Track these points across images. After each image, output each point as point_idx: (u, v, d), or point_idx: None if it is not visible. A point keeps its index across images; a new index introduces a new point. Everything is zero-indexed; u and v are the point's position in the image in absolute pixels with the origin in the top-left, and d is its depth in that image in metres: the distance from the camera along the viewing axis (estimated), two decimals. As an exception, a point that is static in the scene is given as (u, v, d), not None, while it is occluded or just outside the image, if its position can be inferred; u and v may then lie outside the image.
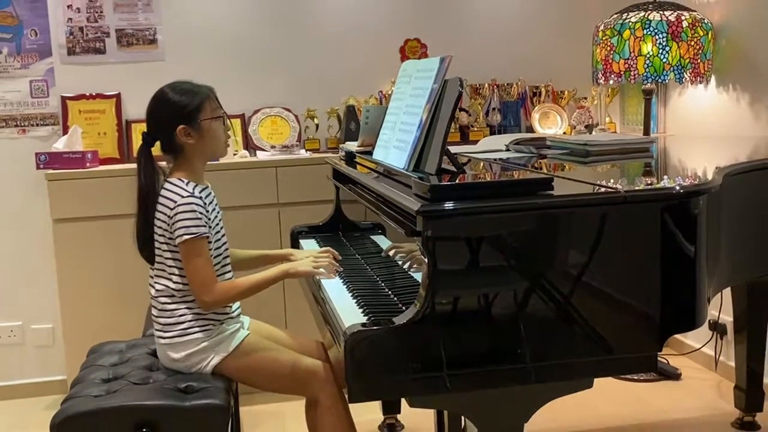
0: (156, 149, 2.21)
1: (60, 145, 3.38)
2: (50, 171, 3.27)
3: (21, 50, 3.51)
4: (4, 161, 3.53)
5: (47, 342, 3.63)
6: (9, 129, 3.54)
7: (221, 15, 3.68)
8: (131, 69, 3.61)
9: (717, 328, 3.46)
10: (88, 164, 3.34)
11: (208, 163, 2.31)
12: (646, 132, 3.56)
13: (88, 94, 3.58)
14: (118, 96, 3.61)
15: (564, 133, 3.81)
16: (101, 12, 3.57)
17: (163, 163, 2.24)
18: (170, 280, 2.16)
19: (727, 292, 3.06)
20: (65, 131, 3.51)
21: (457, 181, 1.79)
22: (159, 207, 2.14)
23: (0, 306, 3.59)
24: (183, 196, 2.11)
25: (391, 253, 2.26)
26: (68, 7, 3.53)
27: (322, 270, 2.19)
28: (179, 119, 2.14)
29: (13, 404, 3.54)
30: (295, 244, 2.81)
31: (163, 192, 2.15)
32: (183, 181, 2.15)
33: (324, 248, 2.38)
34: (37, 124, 3.57)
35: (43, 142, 3.54)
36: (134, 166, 2.21)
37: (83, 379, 2.19)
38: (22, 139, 3.55)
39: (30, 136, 3.56)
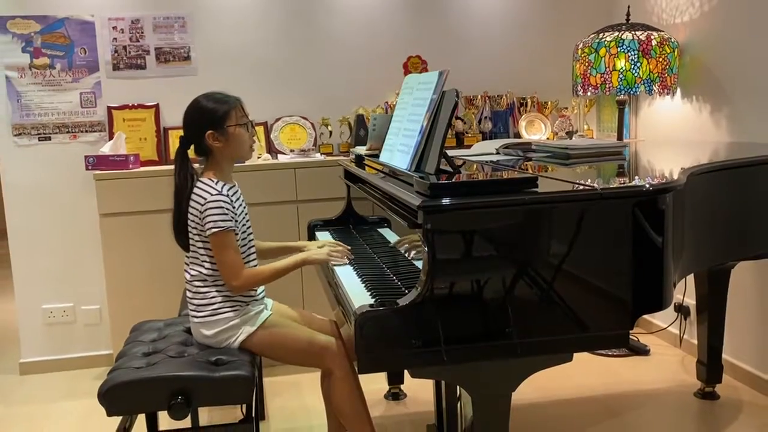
0: (191, 152, 2.21)
1: (106, 149, 3.39)
2: (98, 172, 3.28)
3: (72, 66, 3.52)
4: (57, 163, 3.54)
5: (95, 321, 3.64)
6: (62, 135, 3.55)
7: (247, 35, 3.68)
8: (168, 82, 3.61)
9: (681, 309, 3.46)
10: (130, 166, 3.35)
11: (236, 164, 2.31)
12: (620, 137, 3.54)
13: (130, 105, 3.58)
14: (156, 106, 3.61)
15: (547, 138, 3.80)
16: (142, 32, 3.57)
17: (197, 165, 2.24)
18: (202, 266, 2.16)
19: (690, 277, 3.06)
20: (111, 137, 3.52)
21: (453, 180, 1.79)
22: (191, 203, 2.14)
23: (54, 289, 3.60)
24: (212, 194, 2.11)
25: (399, 245, 2.26)
26: (113, 28, 3.54)
27: (336, 258, 2.19)
28: (208, 125, 2.14)
29: (66, 375, 3.56)
30: (312, 236, 2.81)
31: (195, 190, 2.15)
32: (213, 181, 2.15)
33: (335, 242, 2.39)
34: (86, 131, 3.57)
35: (92, 146, 3.55)
36: (171, 167, 2.21)
37: (126, 353, 2.20)
38: (73, 144, 3.56)
39: (80, 141, 3.57)
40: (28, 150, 3.52)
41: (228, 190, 2.15)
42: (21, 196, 3.53)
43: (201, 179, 2.17)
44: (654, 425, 2.75)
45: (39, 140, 3.52)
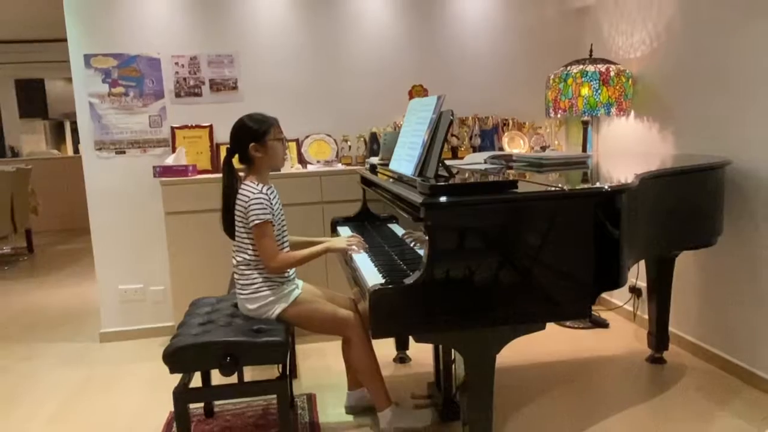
0: (235, 161, 2.22)
1: (170, 160, 3.41)
2: (163, 179, 3.30)
3: (142, 94, 3.54)
4: (131, 172, 3.56)
5: (161, 299, 3.65)
6: (134, 149, 3.57)
7: (283, 69, 3.69)
8: (219, 107, 3.63)
9: (635, 290, 3.44)
10: (189, 174, 3.36)
11: (273, 173, 2.31)
12: (584, 150, 3.53)
13: (189, 125, 3.60)
14: (210, 126, 3.62)
15: (525, 151, 3.78)
16: (199, 67, 3.59)
17: (242, 174, 2.25)
18: (246, 253, 2.17)
19: (642, 264, 3.04)
20: (173, 151, 3.54)
21: (449, 183, 1.79)
22: (238, 201, 2.16)
23: (128, 273, 3.62)
24: (254, 193, 2.12)
25: (405, 237, 2.25)
26: (175, 63, 3.56)
27: (354, 247, 2.19)
28: (252, 138, 2.15)
29: (138, 342, 3.58)
30: (334, 230, 2.81)
31: (240, 191, 2.16)
32: (254, 183, 2.16)
33: (353, 234, 2.39)
34: (154, 146, 3.59)
35: (158, 158, 3.56)
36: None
37: (186, 323, 2.21)
38: (144, 157, 3.58)
39: (149, 155, 3.59)
40: (107, 161, 3.54)
41: (267, 190, 2.17)
42: (101, 199, 3.55)
43: (245, 182, 2.18)
44: (612, 384, 2.74)
45: (116, 153, 3.55)
